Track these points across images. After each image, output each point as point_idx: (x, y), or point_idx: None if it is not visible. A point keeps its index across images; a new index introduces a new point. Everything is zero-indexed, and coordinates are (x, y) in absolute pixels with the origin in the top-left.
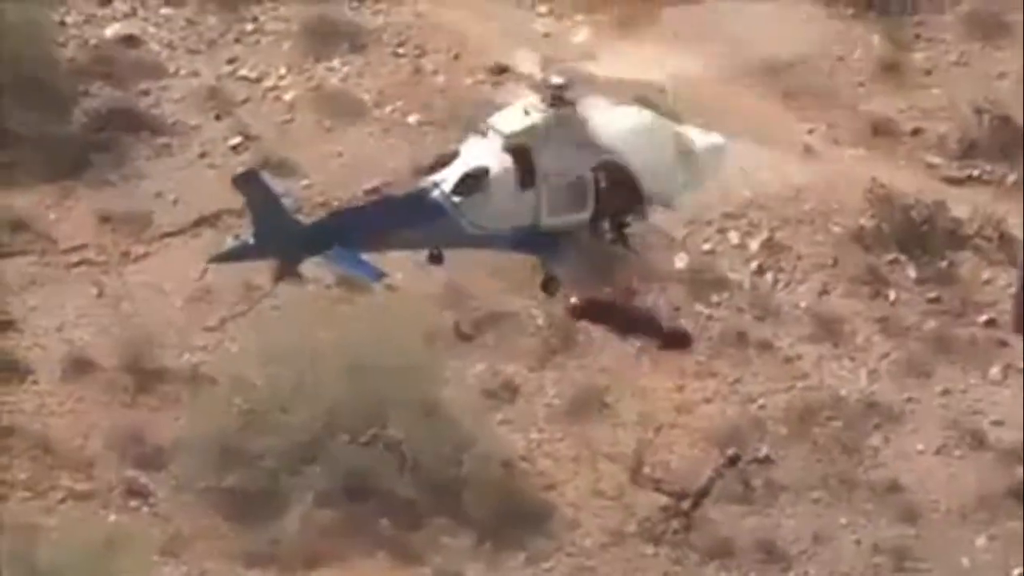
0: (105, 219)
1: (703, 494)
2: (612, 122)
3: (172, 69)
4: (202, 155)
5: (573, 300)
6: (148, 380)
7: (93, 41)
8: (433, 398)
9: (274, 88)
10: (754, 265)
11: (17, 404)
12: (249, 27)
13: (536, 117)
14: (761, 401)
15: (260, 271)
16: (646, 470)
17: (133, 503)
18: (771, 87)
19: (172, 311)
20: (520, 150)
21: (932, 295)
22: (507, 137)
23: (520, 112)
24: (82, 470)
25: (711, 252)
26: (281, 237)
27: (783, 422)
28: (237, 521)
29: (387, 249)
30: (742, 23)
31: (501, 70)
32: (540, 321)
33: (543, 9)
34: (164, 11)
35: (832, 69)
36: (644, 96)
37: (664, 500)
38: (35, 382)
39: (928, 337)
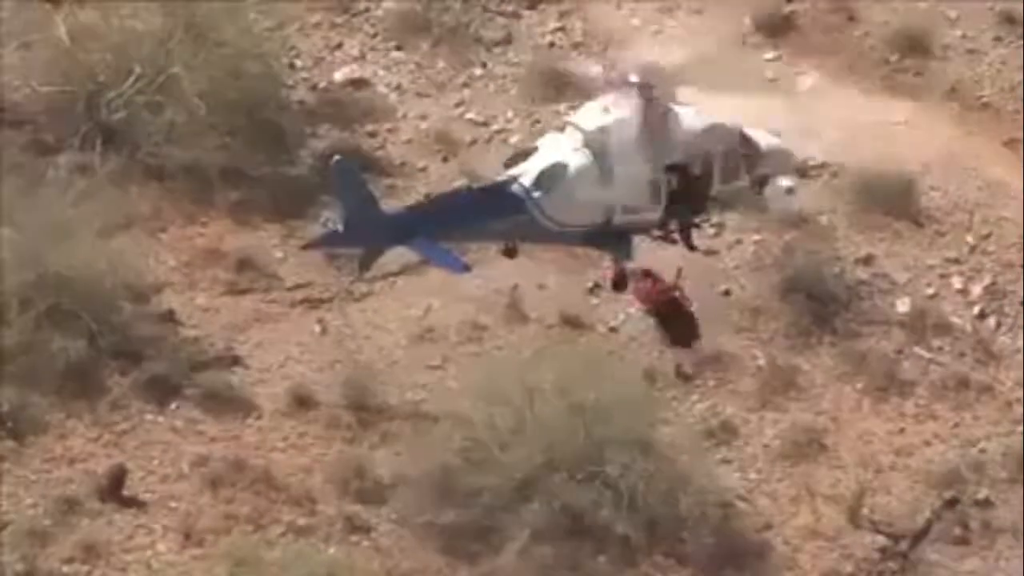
0: (330, 258)
1: (921, 536)
2: (688, 122)
3: (400, 112)
4: (428, 196)
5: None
6: (369, 416)
7: (322, 84)
8: (652, 437)
9: (501, 131)
10: (976, 309)
11: (241, 438)
12: (478, 71)
13: (615, 115)
14: (981, 445)
15: (487, 311)
16: (865, 511)
17: (353, 538)
18: (995, 132)
19: (394, 349)
20: (598, 147)
21: None
22: (586, 134)
23: (600, 110)
24: (303, 504)
25: (933, 296)
26: (368, 226)
27: (1003, 466)
28: (455, 557)
29: (465, 241)
30: (967, 71)
31: None
32: (761, 362)
33: (770, 55)
34: (394, 55)
35: None
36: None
37: (882, 541)
38: (259, 417)
39: None
